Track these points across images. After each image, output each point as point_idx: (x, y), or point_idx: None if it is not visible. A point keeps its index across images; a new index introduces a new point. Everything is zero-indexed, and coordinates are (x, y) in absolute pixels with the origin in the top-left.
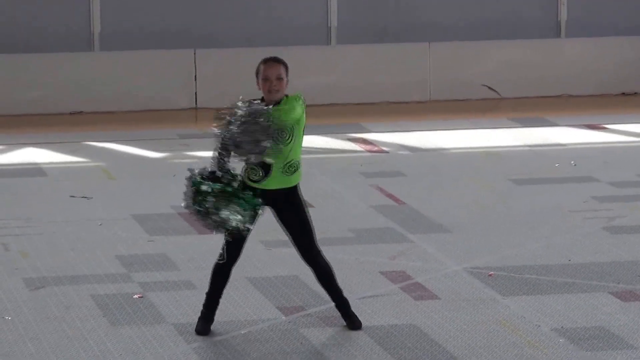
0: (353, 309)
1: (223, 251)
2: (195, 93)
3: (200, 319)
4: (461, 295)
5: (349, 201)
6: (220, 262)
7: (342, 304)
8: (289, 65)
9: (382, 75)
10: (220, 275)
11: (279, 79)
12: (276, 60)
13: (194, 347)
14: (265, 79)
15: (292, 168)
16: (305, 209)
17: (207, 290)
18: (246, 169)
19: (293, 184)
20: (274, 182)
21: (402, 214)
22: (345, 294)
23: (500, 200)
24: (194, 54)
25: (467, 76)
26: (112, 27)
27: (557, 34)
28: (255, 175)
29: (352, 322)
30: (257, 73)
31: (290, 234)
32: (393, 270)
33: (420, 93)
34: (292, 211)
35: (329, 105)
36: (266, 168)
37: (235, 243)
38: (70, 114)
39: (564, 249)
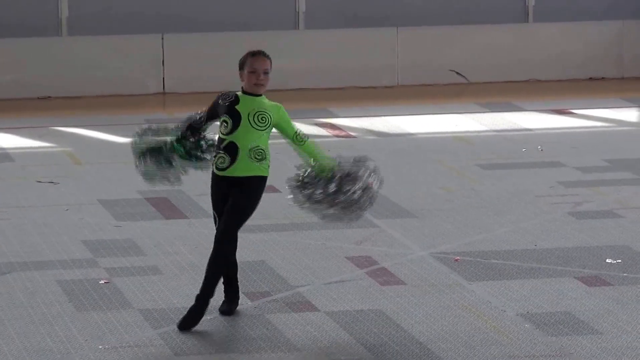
0: (319, 294)
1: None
2: (163, 78)
3: (224, 302)
4: (427, 280)
5: None
6: None
7: (206, 297)
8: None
9: (350, 60)
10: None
11: (266, 73)
12: (265, 55)
13: (160, 332)
14: (253, 72)
15: (258, 155)
16: (254, 203)
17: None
18: (216, 158)
19: (257, 174)
20: (239, 169)
21: None
22: (311, 279)
23: (467, 185)
24: (162, 38)
25: (435, 61)
26: (80, 12)
27: (525, 19)
28: (223, 162)
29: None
30: (242, 65)
31: (225, 209)
32: (359, 255)
33: (388, 78)
34: (240, 192)
35: (297, 90)
36: (233, 154)
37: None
38: (38, 98)
39: (530, 234)
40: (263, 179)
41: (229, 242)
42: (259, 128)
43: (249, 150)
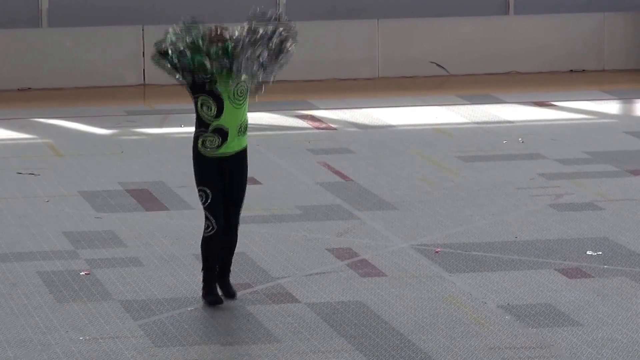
0: (299, 285)
1: (209, 220)
2: (144, 70)
3: (208, 294)
4: (407, 272)
5: (297, 178)
6: (210, 232)
7: (225, 275)
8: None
9: (331, 52)
10: (216, 243)
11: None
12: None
13: (140, 323)
14: None
15: (244, 128)
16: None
17: (202, 267)
18: (203, 139)
19: (245, 145)
20: (231, 146)
21: (349, 190)
22: (292, 270)
23: (447, 177)
24: (142, 30)
25: (415, 53)
26: (60, 3)
27: (506, 11)
28: (213, 142)
29: (227, 291)
30: None
31: (227, 196)
32: (340, 247)
33: (369, 70)
34: (239, 175)
35: (276, 82)
36: (223, 134)
37: (215, 204)
38: (18, 90)
39: (511, 226)
40: (246, 149)
41: (236, 229)
42: (242, 103)
43: (238, 129)
